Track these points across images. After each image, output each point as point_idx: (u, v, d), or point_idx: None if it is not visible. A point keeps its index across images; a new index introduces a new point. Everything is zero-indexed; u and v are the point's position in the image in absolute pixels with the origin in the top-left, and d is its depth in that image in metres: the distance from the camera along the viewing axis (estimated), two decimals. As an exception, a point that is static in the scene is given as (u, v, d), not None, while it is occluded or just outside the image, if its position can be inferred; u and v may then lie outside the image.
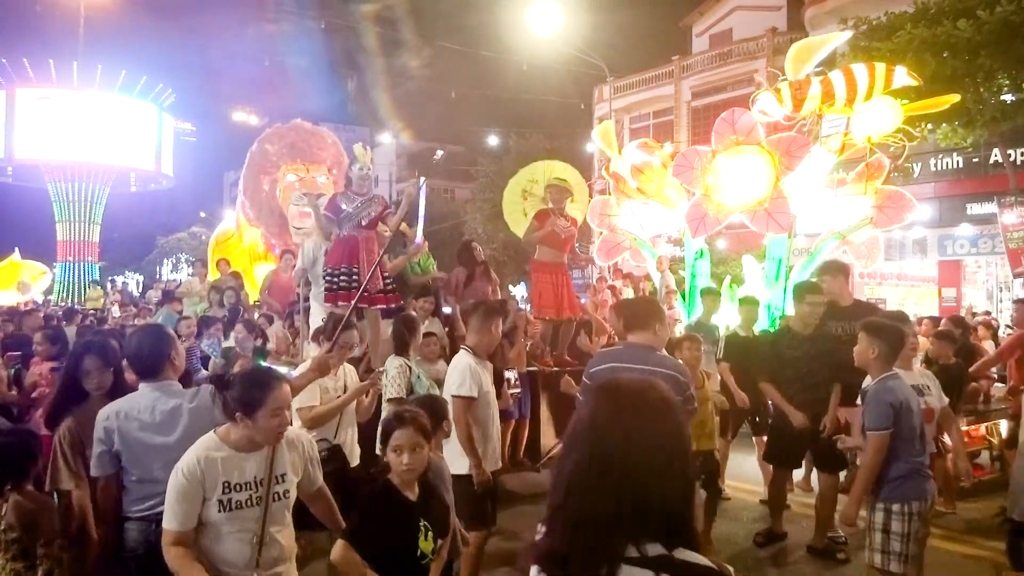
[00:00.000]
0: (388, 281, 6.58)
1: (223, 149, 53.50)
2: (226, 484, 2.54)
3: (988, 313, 14.64)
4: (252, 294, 11.45)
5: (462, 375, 4.08)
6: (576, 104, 29.97)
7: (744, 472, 7.19)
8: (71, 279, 29.99)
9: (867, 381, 3.91)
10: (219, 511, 2.53)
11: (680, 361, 4.62)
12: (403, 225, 7.18)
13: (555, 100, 30.17)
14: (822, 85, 7.84)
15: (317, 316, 6.60)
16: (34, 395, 5.31)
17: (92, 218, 31.19)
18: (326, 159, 13.41)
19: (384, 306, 6.51)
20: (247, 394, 2.59)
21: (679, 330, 8.15)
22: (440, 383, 5.83)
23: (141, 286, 34.94)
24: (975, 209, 17.59)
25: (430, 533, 2.79)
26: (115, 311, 14.52)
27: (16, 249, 18.08)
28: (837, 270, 6.07)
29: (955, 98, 8.80)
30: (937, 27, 12.25)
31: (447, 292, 7.78)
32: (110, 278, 33.09)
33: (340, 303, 6.14)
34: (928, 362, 6.81)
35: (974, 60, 12.21)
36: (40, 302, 19.88)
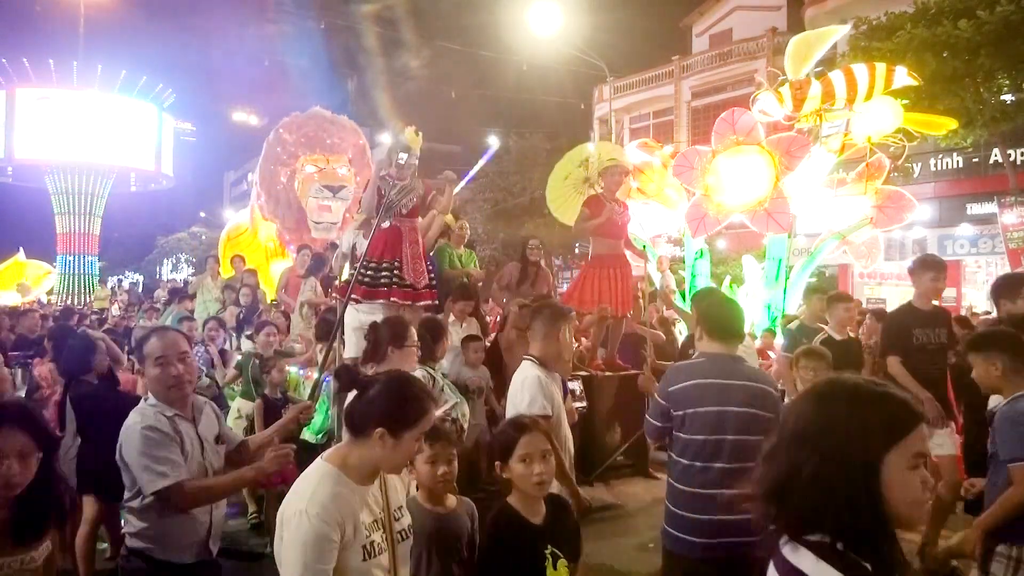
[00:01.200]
0: (431, 276, 5.97)
1: (223, 149, 53.62)
2: (363, 524, 2.02)
3: (988, 313, 14.64)
4: (268, 292, 11.05)
5: (532, 391, 3.42)
6: (576, 104, 29.96)
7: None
8: (72, 273, 29.85)
9: (993, 401, 3.35)
10: (363, 559, 2.00)
11: (770, 375, 4.12)
12: (448, 217, 6.93)
13: (555, 100, 30.16)
14: (822, 85, 7.85)
15: (352, 314, 5.97)
16: (35, 396, 5.31)
17: (93, 211, 30.91)
18: (347, 149, 12.66)
19: (429, 302, 5.89)
20: (401, 408, 2.06)
21: (679, 330, 8.14)
22: (480, 391, 5.63)
23: (141, 286, 34.95)
24: (975, 209, 17.60)
25: (560, 561, 2.37)
26: (114, 310, 14.44)
27: (20, 249, 18.06)
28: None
29: (953, 123, 8.85)
30: (937, 27, 12.26)
31: (500, 288, 7.29)
32: (111, 277, 33.03)
33: (380, 300, 5.55)
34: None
35: (974, 60, 12.21)
36: (44, 301, 19.83)
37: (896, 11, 13.57)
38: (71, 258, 30.28)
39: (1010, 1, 11.58)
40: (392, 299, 5.52)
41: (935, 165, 18.06)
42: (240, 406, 6.11)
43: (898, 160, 8.82)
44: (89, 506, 4.73)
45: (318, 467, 2.05)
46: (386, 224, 5.69)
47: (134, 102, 30.93)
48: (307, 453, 5.43)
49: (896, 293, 18.83)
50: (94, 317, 14.01)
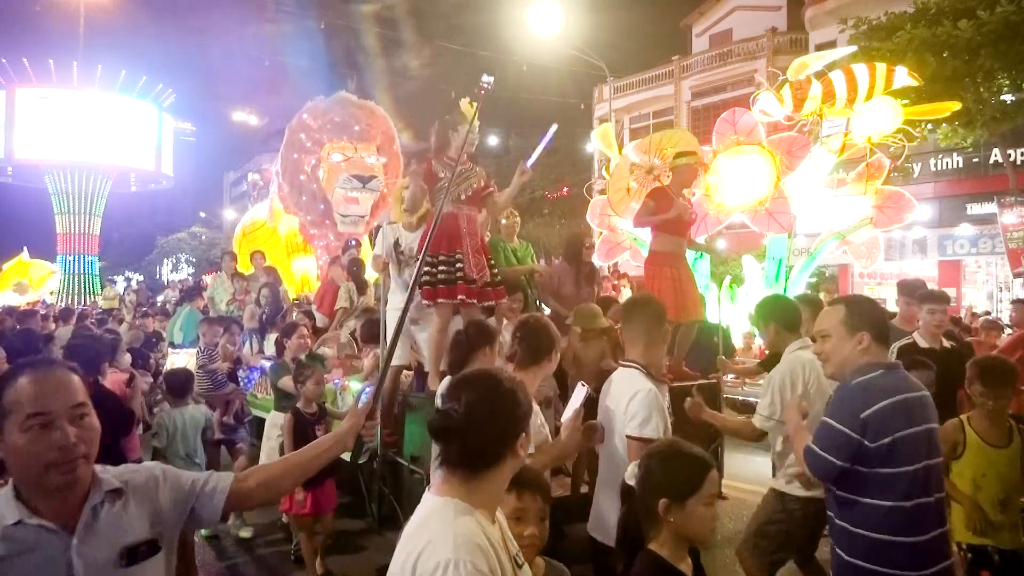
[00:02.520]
0: (496, 272, 5.18)
1: (223, 149, 53.66)
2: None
3: (988, 313, 14.64)
4: (291, 290, 10.48)
5: (649, 408, 2.86)
6: (576, 104, 29.97)
7: (744, 472, 7.19)
8: (72, 273, 29.82)
9: None
10: None
11: None
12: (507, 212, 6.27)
13: (555, 100, 30.18)
14: (823, 85, 7.85)
15: (393, 317, 5.27)
16: None
17: (93, 210, 30.88)
18: (375, 136, 11.61)
19: (494, 303, 5.16)
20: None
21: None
22: (548, 402, 4.74)
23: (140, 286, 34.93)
24: (975, 209, 17.60)
25: None
26: (124, 314, 14.21)
27: (25, 249, 18.03)
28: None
29: (955, 105, 8.85)
30: (937, 27, 12.26)
31: (543, 291, 6.47)
32: (115, 276, 32.98)
33: (441, 300, 4.88)
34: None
35: (974, 60, 12.22)
36: (48, 301, 19.79)
37: (896, 11, 13.57)
38: (71, 258, 30.23)
39: (1010, 1, 11.58)
40: (460, 297, 4.82)
41: (935, 165, 18.06)
42: (277, 420, 5.45)
43: (898, 160, 8.82)
44: None
45: (444, 505, 1.60)
46: (445, 209, 4.89)
47: (134, 102, 30.95)
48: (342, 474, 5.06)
49: (895, 293, 18.82)
50: (97, 317, 13.87)
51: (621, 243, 9.80)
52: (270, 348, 7.19)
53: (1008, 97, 13.06)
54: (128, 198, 37.76)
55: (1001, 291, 18.02)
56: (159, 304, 15.29)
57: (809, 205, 8.41)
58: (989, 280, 18.58)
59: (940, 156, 17.89)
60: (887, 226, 8.50)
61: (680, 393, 5.09)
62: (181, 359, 7.99)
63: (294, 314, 7.96)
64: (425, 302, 4.95)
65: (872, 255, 8.82)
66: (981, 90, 12.84)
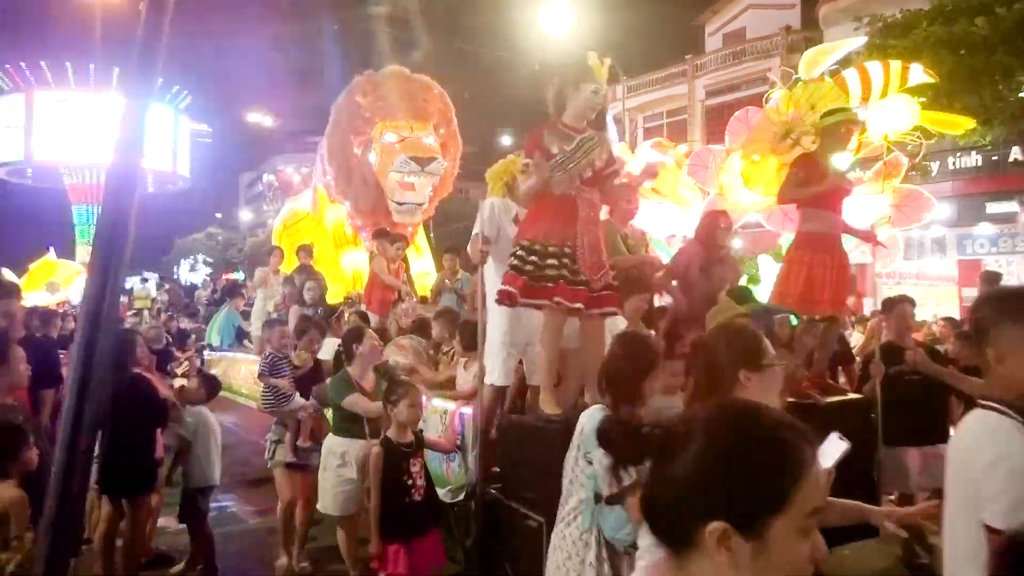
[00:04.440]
0: (614, 273, 4.25)
1: (238, 151, 53.94)
2: None
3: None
4: (335, 289, 9.81)
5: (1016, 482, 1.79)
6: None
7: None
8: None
9: None
10: None
11: None
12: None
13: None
14: (836, 84, 7.78)
15: (499, 320, 4.43)
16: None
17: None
18: (433, 114, 10.45)
19: (611, 311, 4.13)
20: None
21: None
22: None
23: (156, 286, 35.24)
24: (995, 208, 17.40)
25: None
26: (147, 316, 14.13)
27: (51, 248, 18.16)
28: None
29: (971, 123, 8.80)
30: (954, 24, 12.14)
31: (676, 276, 5.47)
32: (131, 277, 33.24)
33: (544, 300, 3.89)
34: (951, 362, 6.74)
35: (992, 57, 12.07)
36: (75, 303, 19.93)
37: (912, 8, 13.44)
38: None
39: (1029, -2, 11.45)
40: (556, 299, 3.85)
41: (953, 163, 17.87)
42: (338, 447, 4.56)
43: (916, 158, 8.74)
44: (106, 505, 4.78)
45: None
46: (557, 191, 3.94)
47: (151, 104, 31.20)
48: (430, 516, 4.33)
49: (915, 292, 18.68)
50: (132, 318, 13.86)
51: (635, 243, 9.78)
52: (324, 355, 6.22)
53: (1025, 95, 12.91)
54: (145, 199, 38.08)
55: (1021, 290, 17.85)
56: (189, 304, 15.22)
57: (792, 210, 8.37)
58: (1010, 279, 18.37)
59: (958, 154, 17.69)
60: (906, 225, 8.43)
61: (834, 411, 4.52)
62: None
63: (346, 315, 7.20)
64: (518, 296, 3.88)
65: (892, 254, 8.74)
66: (1000, 88, 12.69)
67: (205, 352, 9.66)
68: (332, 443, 4.66)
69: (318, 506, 4.71)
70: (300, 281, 8.54)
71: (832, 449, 2.12)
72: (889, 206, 8.27)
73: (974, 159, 17.72)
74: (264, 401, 5.51)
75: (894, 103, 7.78)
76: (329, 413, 5.17)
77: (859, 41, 9.55)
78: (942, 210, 13.28)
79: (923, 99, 8.40)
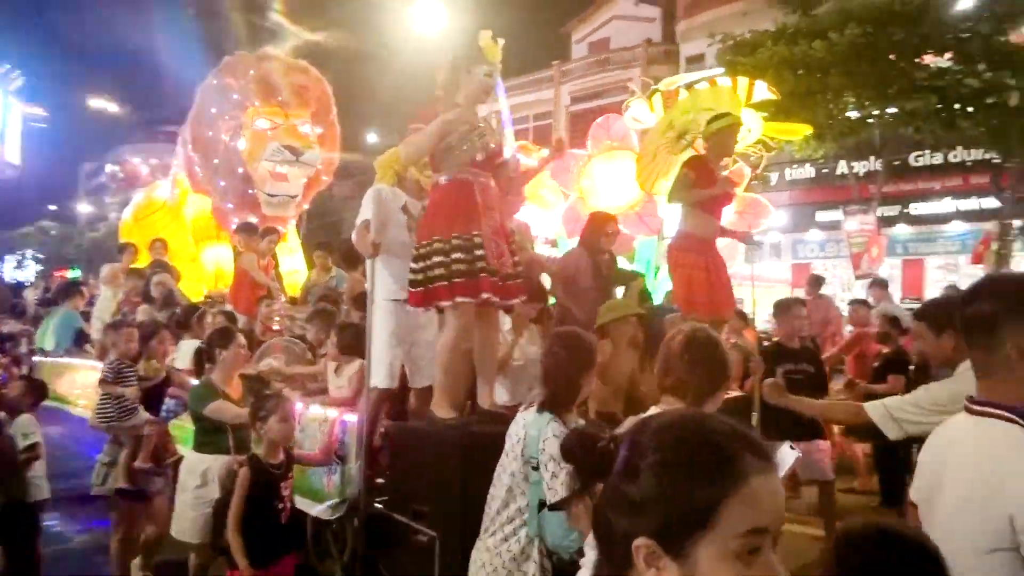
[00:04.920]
0: (517, 260, 4.02)
1: (80, 138, 49.79)
2: None
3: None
4: (195, 287, 9.03)
5: None
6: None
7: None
8: None
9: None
10: None
11: None
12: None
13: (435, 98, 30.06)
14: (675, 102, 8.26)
15: (386, 318, 4.11)
16: None
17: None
18: (310, 101, 9.74)
19: (523, 299, 4.04)
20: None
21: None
22: None
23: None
24: (823, 216, 19.14)
25: None
26: None
27: None
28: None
29: (808, 129, 9.57)
30: (795, 46, 13.19)
31: (564, 283, 5.28)
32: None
33: (460, 299, 3.64)
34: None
35: (826, 79, 13.22)
36: None
37: (759, 29, 14.47)
38: None
39: (858, 25, 12.62)
40: (484, 295, 3.62)
41: (789, 175, 19.42)
42: (197, 465, 4.14)
43: (757, 169, 9.40)
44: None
45: None
46: (443, 179, 3.77)
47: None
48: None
49: (748, 294, 20.10)
50: None
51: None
52: (181, 361, 5.62)
53: (853, 114, 14.23)
54: (-35, 187, 34.31)
55: (844, 292, 19.64)
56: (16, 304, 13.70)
57: (676, 209, 8.82)
58: (834, 281, 20.20)
59: (794, 166, 19.24)
60: (746, 229, 9.04)
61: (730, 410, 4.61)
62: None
63: (210, 316, 6.47)
64: (445, 303, 3.68)
65: (732, 257, 9.34)
66: (831, 107, 13.91)
67: (35, 357, 8.70)
68: (192, 461, 4.20)
69: (172, 532, 4.21)
70: (148, 275, 7.87)
71: (784, 459, 2.26)
72: (733, 212, 8.84)
73: (807, 171, 19.34)
74: (101, 413, 4.83)
75: (743, 116, 8.35)
76: (176, 430, 4.73)
77: (717, 71, 10.22)
78: (779, 217, 14.38)
79: (765, 114, 9.05)
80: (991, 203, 16.00)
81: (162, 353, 5.35)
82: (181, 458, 4.69)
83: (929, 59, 13.17)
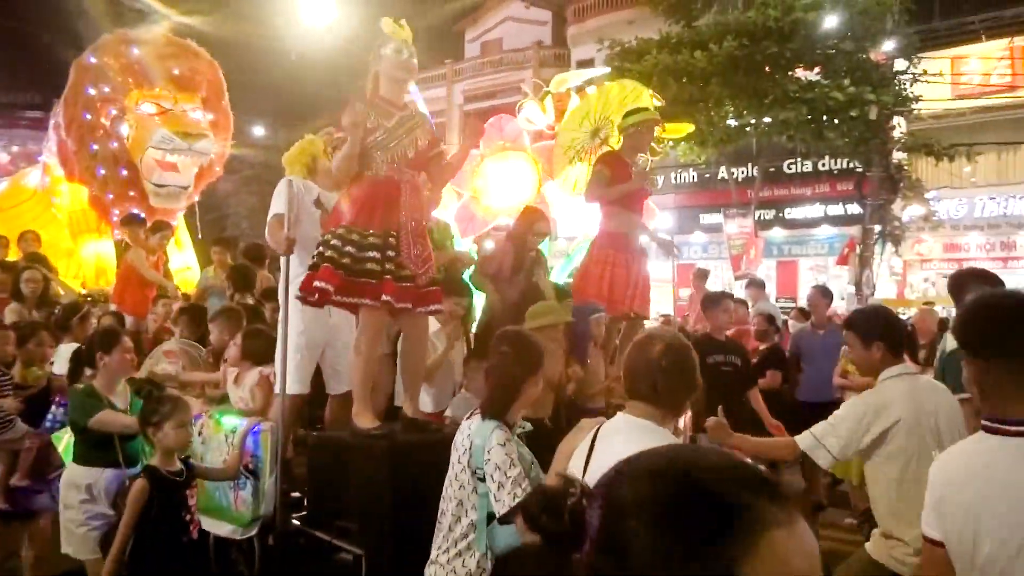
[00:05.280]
0: (438, 266, 3.97)
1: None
2: None
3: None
4: (73, 284, 8.20)
5: None
6: (348, 100, 29.34)
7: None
8: None
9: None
10: None
11: None
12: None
13: (328, 93, 29.35)
14: (580, 99, 8.43)
15: (297, 318, 3.86)
16: None
17: None
18: (200, 85, 8.95)
19: (439, 307, 3.82)
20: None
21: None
22: None
23: None
24: (706, 219, 20.03)
25: None
26: None
27: None
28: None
29: (690, 127, 10.00)
30: (678, 55, 13.75)
31: (478, 274, 5.11)
32: None
33: (366, 298, 3.46)
34: None
35: (706, 87, 13.86)
36: None
37: (645, 37, 14.99)
38: None
39: (735, 38, 13.30)
40: (385, 297, 3.42)
41: (675, 179, 20.23)
42: (81, 478, 3.70)
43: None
44: None
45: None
46: (368, 174, 3.54)
47: None
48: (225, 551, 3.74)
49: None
50: None
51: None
52: (60, 366, 4.91)
53: (732, 122, 14.98)
54: None
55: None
56: None
57: (567, 210, 8.99)
58: (716, 282, 21.20)
59: (679, 171, 20.05)
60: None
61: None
62: None
63: (94, 316, 5.88)
64: (334, 293, 3.41)
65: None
66: (712, 114, 14.59)
67: None
68: (73, 475, 3.73)
69: (64, 550, 3.80)
70: (19, 270, 6.96)
71: None
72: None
73: (691, 175, 20.20)
74: None
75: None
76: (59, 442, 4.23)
77: (603, 71, 10.50)
78: (665, 219, 14.97)
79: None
80: (855, 209, 17.27)
81: (42, 357, 4.73)
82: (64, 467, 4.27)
83: (800, 73, 14.06)
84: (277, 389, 3.79)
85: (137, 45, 8.83)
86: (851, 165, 17.24)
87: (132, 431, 3.67)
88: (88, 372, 3.96)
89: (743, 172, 18.42)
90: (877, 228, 16.17)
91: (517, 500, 2.34)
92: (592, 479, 1.44)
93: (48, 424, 4.50)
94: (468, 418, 2.70)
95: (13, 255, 8.08)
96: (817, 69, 14.20)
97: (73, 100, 8.74)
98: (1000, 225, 18.61)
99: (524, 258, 4.91)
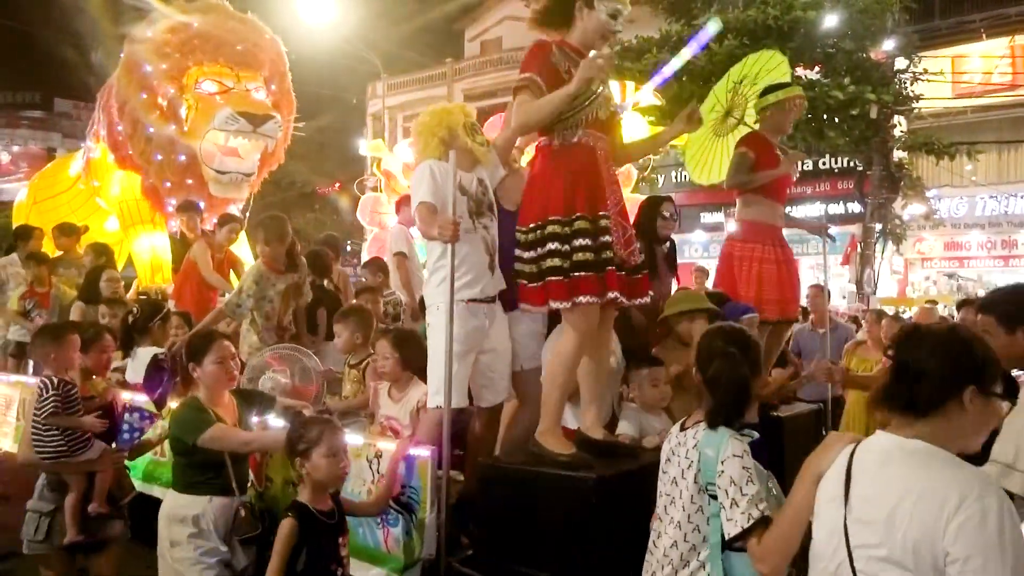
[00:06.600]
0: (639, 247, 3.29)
1: None
2: None
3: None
4: (139, 279, 7.76)
5: None
6: (348, 98, 29.37)
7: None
8: None
9: None
10: None
11: None
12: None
13: (326, 92, 29.32)
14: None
15: (444, 320, 3.19)
16: None
17: None
18: (264, 64, 8.10)
19: (648, 298, 3.25)
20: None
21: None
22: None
23: None
24: (707, 218, 20.05)
25: None
26: None
27: None
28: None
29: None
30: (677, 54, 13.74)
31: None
32: None
33: (590, 297, 2.90)
34: None
35: (707, 86, 13.83)
36: None
37: (645, 36, 14.98)
38: None
39: (735, 37, 13.29)
40: (611, 294, 2.91)
41: (675, 177, 20.22)
42: (185, 509, 3.07)
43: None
44: None
45: (922, 450, 1.60)
46: (555, 142, 3.04)
47: None
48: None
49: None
50: None
51: (392, 241, 9.77)
52: (135, 374, 4.52)
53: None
54: None
55: (727, 290, 20.72)
56: None
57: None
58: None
59: (679, 169, 20.05)
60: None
61: (805, 422, 4.08)
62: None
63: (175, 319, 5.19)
64: (556, 304, 2.92)
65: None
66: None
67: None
68: (175, 505, 3.11)
69: None
70: (88, 265, 6.39)
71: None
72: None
73: (692, 174, 20.25)
74: (43, 449, 3.69)
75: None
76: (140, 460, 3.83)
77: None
78: (667, 218, 14.96)
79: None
80: (856, 207, 17.28)
81: (103, 365, 4.18)
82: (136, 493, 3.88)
83: (800, 71, 14.05)
84: (431, 404, 3.28)
85: (198, 17, 7.94)
86: (852, 164, 17.24)
87: (251, 449, 3.25)
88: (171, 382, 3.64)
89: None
90: (878, 227, 16.16)
91: (753, 522, 2.02)
92: (856, 515, 1.62)
93: (127, 437, 3.97)
94: (683, 429, 2.33)
95: (49, 250, 7.56)
96: (817, 68, 14.19)
97: (127, 78, 7.86)
98: (1001, 224, 18.62)
99: (654, 249, 4.28)
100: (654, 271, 3.97)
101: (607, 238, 2.92)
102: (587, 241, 2.88)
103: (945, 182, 17.80)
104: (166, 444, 3.44)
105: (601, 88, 3.11)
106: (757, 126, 4.58)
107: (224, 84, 7.70)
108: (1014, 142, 18.25)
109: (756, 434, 2.30)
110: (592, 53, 2.98)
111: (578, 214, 2.90)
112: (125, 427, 3.98)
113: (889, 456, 1.64)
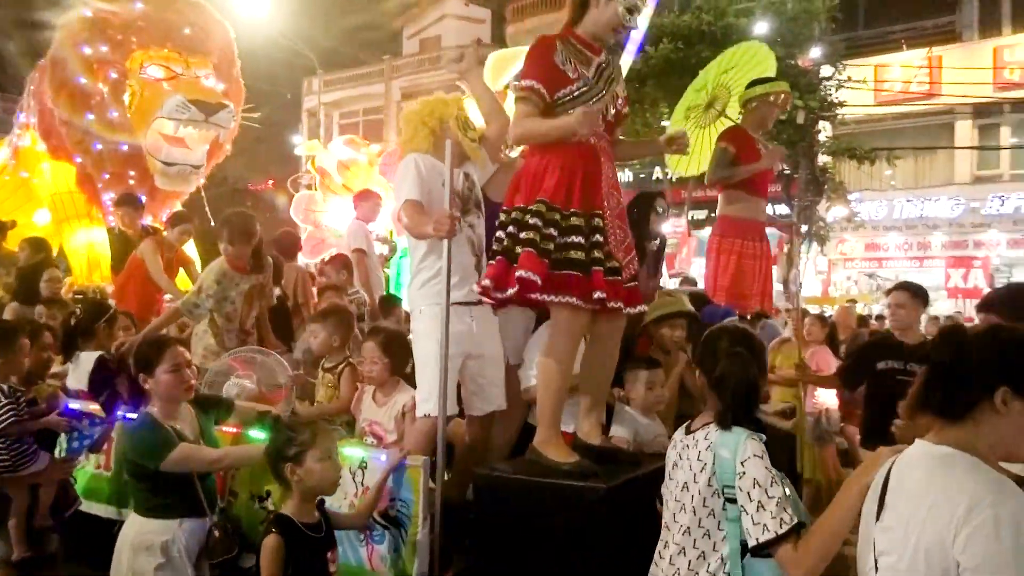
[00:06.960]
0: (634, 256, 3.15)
1: None
2: None
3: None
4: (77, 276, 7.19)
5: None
6: (283, 94, 28.79)
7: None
8: None
9: None
10: None
11: None
12: None
13: (259, 86, 28.64)
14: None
15: (434, 322, 3.06)
16: None
17: None
18: (212, 50, 7.62)
19: (644, 307, 3.17)
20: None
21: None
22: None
23: None
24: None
25: None
26: None
27: None
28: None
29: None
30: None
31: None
32: None
33: (573, 297, 2.72)
34: None
35: (643, 89, 14.11)
36: None
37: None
38: None
39: (670, 41, 13.59)
40: (597, 294, 2.71)
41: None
42: (153, 535, 2.77)
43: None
44: None
45: (947, 455, 1.48)
46: (578, 135, 2.82)
47: None
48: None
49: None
50: None
51: (326, 240, 9.64)
52: (77, 379, 4.13)
53: (667, 123, 15.31)
54: None
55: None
56: None
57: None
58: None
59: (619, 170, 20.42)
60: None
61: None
62: None
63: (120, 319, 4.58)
64: (525, 274, 2.64)
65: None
66: (647, 115, 14.87)
67: None
68: (141, 532, 2.79)
69: None
70: (24, 262, 6.00)
71: None
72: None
73: (626, 175, 20.55)
74: None
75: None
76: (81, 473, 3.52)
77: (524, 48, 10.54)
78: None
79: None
80: (784, 209, 17.85)
81: (42, 365, 3.94)
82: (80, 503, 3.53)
83: (732, 76, 14.47)
84: (419, 412, 3.12)
85: None
86: (780, 167, 17.80)
87: (221, 467, 2.98)
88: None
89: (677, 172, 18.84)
90: (804, 228, 16.75)
91: (786, 527, 1.91)
92: (882, 523, 1.59)
93: (76, 445, 3.68)
94: (689, 432, 2.25)
95: None
96: (748, 74, 14.62)
97: (63, 60, 7.24)
98: (916, 226, 19.55)
99: (645, 249, 4.14)
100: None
101: (598, 238, 2.77)
102: (579, 239, 2.73)
103: (866, 186, 18.58)
104: (111, 454, 3.25)
105: (611, 85, 2.96)
106: (739, 119, 4.48)
107: (172, 70, 7.25)
108: (930, 148, 19.23)
109: (764, 436, 2.16)
110: (582, 110, 2.72)
111: (573, 209, 2.75)
112: (75, 434, 3.74)
113: (917, 463, 1.58)
